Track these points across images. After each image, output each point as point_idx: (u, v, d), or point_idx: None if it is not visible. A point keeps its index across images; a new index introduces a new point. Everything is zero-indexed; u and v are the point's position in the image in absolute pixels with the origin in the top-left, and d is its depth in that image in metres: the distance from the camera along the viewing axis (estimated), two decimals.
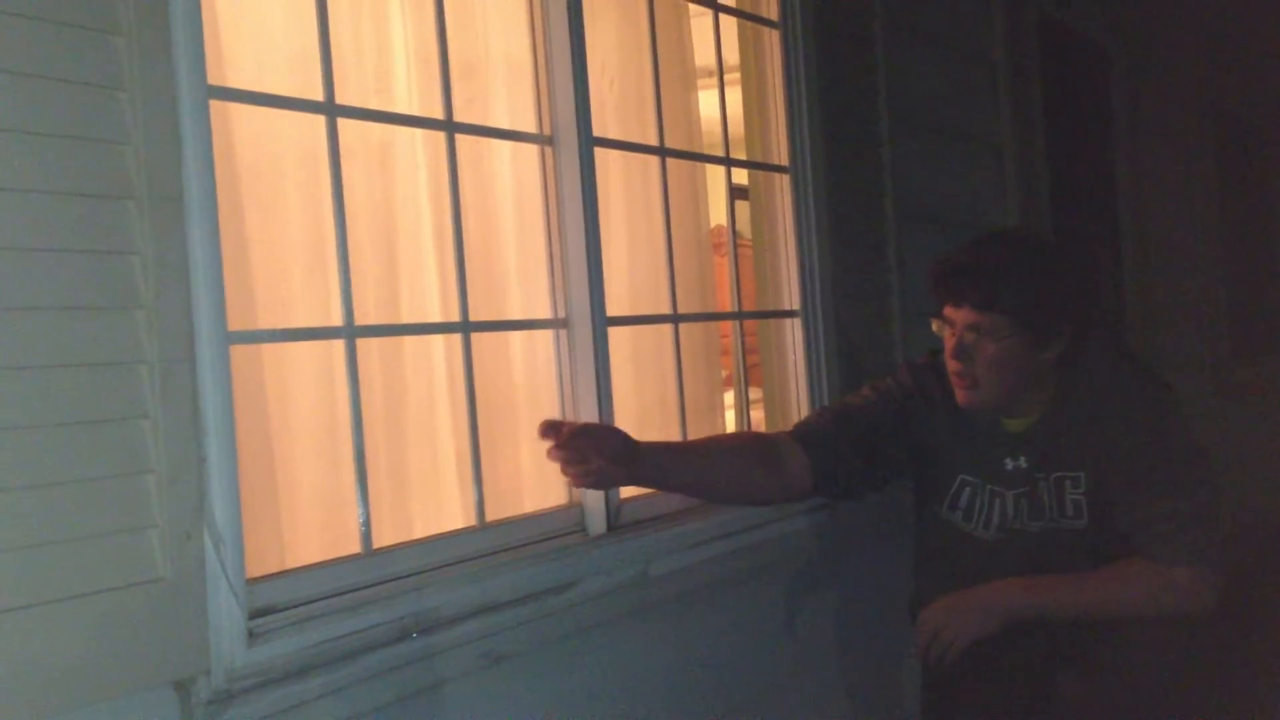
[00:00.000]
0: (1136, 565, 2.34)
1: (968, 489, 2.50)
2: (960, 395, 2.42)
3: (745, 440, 2.55)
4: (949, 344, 2.39)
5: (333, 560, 1.98)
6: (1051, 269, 2.40)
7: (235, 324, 1.79)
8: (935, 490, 2.55)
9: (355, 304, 2.03)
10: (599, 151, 2.48)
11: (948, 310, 2.38)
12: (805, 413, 3.06)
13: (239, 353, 1.88)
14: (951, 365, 2.40)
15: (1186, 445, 2.42)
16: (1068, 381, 2.43)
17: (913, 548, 2.67)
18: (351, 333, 2.02)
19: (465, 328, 2.26)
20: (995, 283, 2.33)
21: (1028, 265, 2.37)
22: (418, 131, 2.39)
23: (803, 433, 2.48)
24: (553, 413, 2.46)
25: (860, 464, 2.48)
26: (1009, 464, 2.46)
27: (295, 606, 1.84)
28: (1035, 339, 2.35)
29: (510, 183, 2.52)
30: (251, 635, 1.73)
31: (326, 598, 1.89)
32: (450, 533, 2.22)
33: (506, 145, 2.49)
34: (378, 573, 1.99)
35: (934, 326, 2.45)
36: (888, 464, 2.54)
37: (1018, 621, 2.38)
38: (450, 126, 2.24)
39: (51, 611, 1.50)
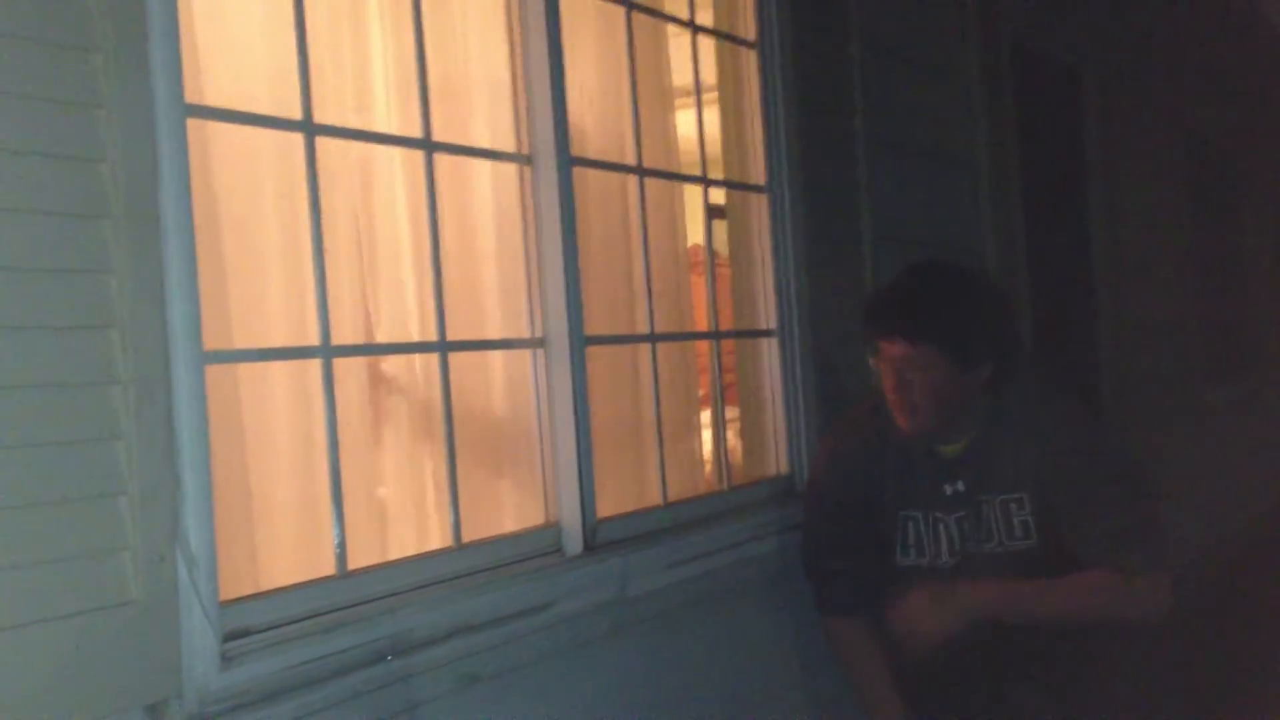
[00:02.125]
0: (1098, 574, 2.43)
1: (911, 524, 2.62)
2: (902, 422, 2.57)
3: (881, 666, 2.70)
4: (887, 377, 2.49)
5: (308, 582, 1.96)
6: (973, 299, 2.55)
7: (211, 344, 1.78)
8: (886, 538, 2.63)
9: (332, 323, 2.02)
10: (577, 171, 2.48)
11: (882, 344, 2.52)
12: (781, 432, 3.07)
13: (214, 372, 1.86)
14: (890, 396, 2.53)
15: (1126, 459, 2.58)
16: (997, 405, 2.54)
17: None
18: (328, 352, 2.01)
19: (443, 347, 2.25)
20: (922, 316, 2.49)
21: (951, 297, 2.53)
22: (396, 150, 2.38)
23: (850, 606, 2.70)
24: (530, 432, 2.46)
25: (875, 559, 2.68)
26: (947, 489, 2.60)
27: (269, 629, 1.82)
28: (962, 365, 2.49)
29: (489, 202, 2.52)
30: (225, 658, 1.71)
31: (301, 620, 1.87)
32: (426, 554, 2.20)
33: (485, 164, 2.48)
34: (353, 594, 1.97)
35: (871, 361, 2.59)
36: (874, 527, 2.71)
37: (985, 621, 2.46)
38: (429, 145, 2.24)
39: (22, 634, 1.48)
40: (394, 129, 2.37)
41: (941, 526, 2.60)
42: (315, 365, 2.03)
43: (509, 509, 2.49)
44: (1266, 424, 7.86)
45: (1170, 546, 2.56)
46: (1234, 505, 6.84)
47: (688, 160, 3.02)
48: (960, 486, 2.59)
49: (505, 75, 2.44)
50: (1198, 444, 6.27)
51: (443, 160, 2.32)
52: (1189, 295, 6.75)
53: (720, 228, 3.22)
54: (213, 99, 2.03)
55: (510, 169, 2.46)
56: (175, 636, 1.64)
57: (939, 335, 2.47)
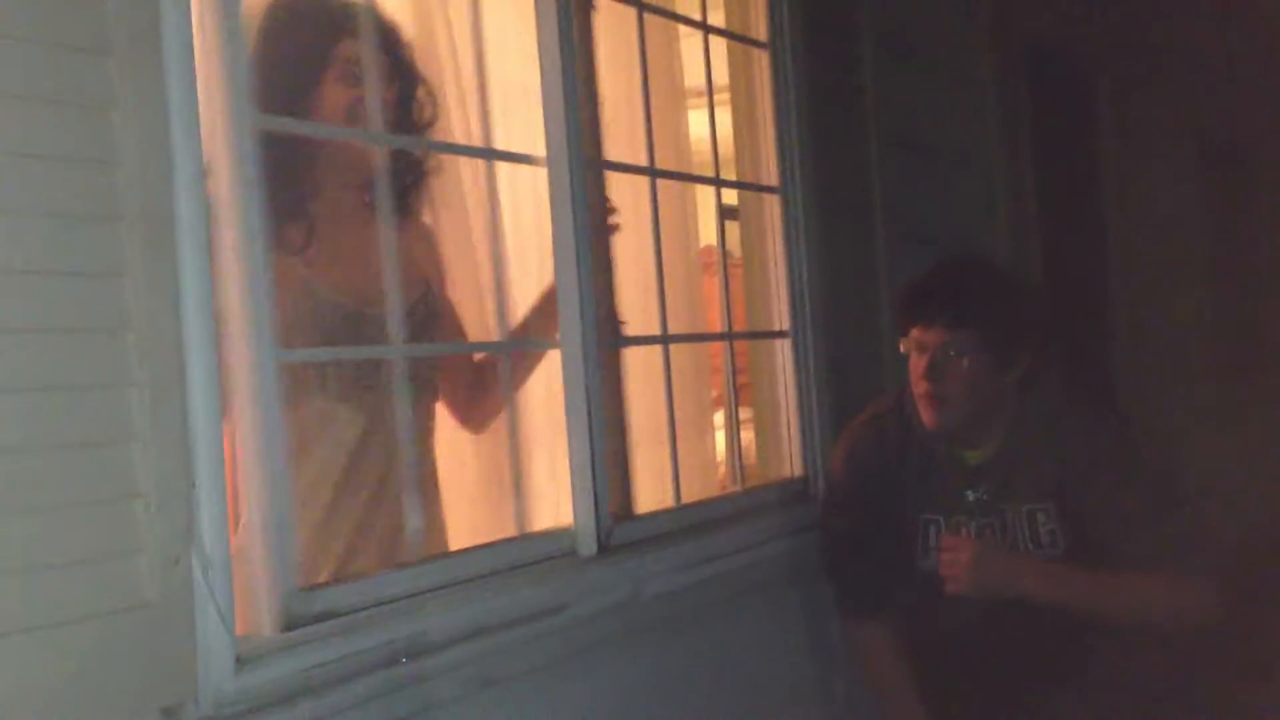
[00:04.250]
0: (1155, 574, 2.39)
1: (933, 527, 2.58)
2: (928, 416, 2.51)
3: (903, 671, 2.67)
4: (919, 365, 2.49)
5: (322, 584, 1.96)
6: (1012, 294, 2.53)
7: None
8: (906, 541, 2.61)
9: None
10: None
11: (918, 332, 2.48)
12: (794, 433, 3.06)
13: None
14: (922, 386, 2.51)
15: (1158, 469, 2.53)
16: (1021, 414, 2.52)
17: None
18: (341, 354, 2.01)
19: (457, 350, 2.25)
20: (964, 303, 2.46)
21: (992, 288, 2.53)
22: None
23: (872, 608, 2.69)
24: (544, 433, 2.46)
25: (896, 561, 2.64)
26: (970, 495, 2.56)
27: (284, 631, 1.82)
28: (999, 359, 2.46)
29: (506, 203, 2.52)
30: (240, 660, 1.71)
31: (316, 622, 1.87)
32: (442, 555, 2.20)
33: (503, 166, 2.48)
34: (368, 596, 1.97)
35: (901, 347, 2.54)
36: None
37: (1030, 601, 2.43)
38: (436, 147, 2.23)
39: (38, 637, 1.48)
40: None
41: (964, 532, 2.56)
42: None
43: (526, 510, 2.48)
44: None
45: (1216, 554, 2.54)
46: (1252, 505, 6.80)
47: (700, 161, 3.02)
48: (983, 494, 2.55)
49: (522, 77, 2.44)
50: (1214, 443, 6.24)
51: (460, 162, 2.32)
52: (1205, 294, 6.73)
53: (733, 228, 3.22)
54: None
55: (525, 171, 2.45)
56: (190, 639, 1.64)
57: (981, 322, 2.43)
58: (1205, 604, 2.40)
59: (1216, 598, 2.40)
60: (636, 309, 2.79)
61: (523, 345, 2.47)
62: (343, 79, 2.13)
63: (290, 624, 1.77)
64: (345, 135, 2.01)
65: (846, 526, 2.72)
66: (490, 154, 2.39)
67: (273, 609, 1.78)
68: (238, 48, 1.69)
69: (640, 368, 2.80)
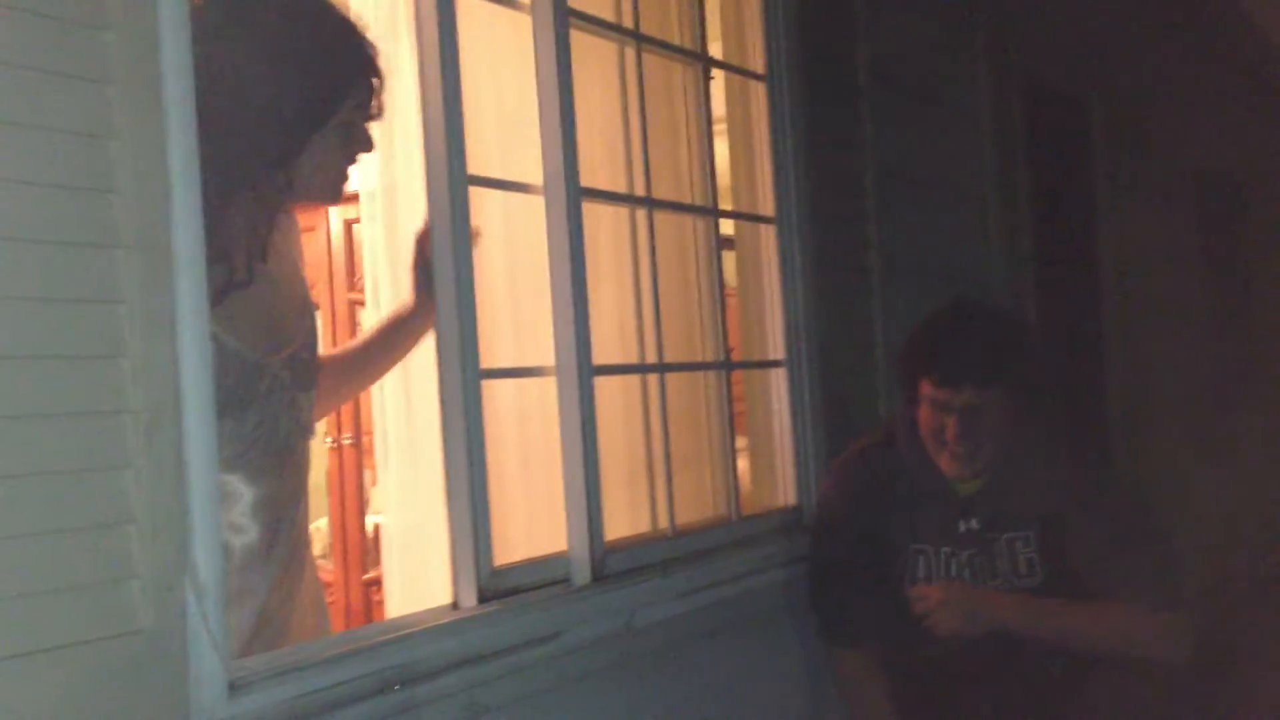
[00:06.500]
0: (1127, 606, 2.41)
1: (921, 558, 2.61)
2: (953, 467, 2.55)
3: (883, 701, 2.67)
4: (941, 421, 2.48)
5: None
6: (1020, 336, 2.56)
7: None
8: (895, 572, 2.62)
9: None
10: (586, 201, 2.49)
11: (943, 392, 2.45)
12: (789, 462, 3.07)
13: None
14: (946, 442, 2.52)
15: (1135, 500, 2.57)
16: (1011, 442, 2.53)
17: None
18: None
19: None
20: (990, 362, 2.47)
21: (1007, 339, 2.55)
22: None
23: (854, 638, 2.70)
24: (537, 461, 2.46)
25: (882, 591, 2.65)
26: (962, 526, 2.59)
27: (277, 658, 1.83)
28: (1020, 404, 2.44)
29: (499, 232, 2.53)
30: (233, 687, 1.71)
31: (309, 648, 1.88)
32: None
33: (496, 195, 2.50)
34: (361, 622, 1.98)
35: (907, 403, 2.61)
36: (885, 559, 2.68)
37: (1004, 632, 2.47)
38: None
39: (29, 663, 1.48)
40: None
41: (953, 562, 2.59)
42: None
43: (518, 538, 2.49)
44: (1276, 456, 7.82)
45: (1186, 588, 2.56)
46: (1244, 538, 6.81)
47: (697, 191, 3.03)
48: (974, 524, 2.58)
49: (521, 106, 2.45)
50: (1208, 476, 6.25)
51: None
52: (1199, 330, 6.74)
53: (729, 258, 3.23)
54: None
55: (519, 199, 2.47)
56: (183, 665, 1.64)
57: (1006, 380, 2.47)
58: (1175, 639, 2.43)
59: (1187, 631, 2.43)
60: (633, 338, 2.80)
61: (499, 374, 2.46)
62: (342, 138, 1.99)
63: None
64: None
65: (832, 555, 2.73)
66: (479, 182, 2.41)
67: None
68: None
69: (635, 395, 2.81)
